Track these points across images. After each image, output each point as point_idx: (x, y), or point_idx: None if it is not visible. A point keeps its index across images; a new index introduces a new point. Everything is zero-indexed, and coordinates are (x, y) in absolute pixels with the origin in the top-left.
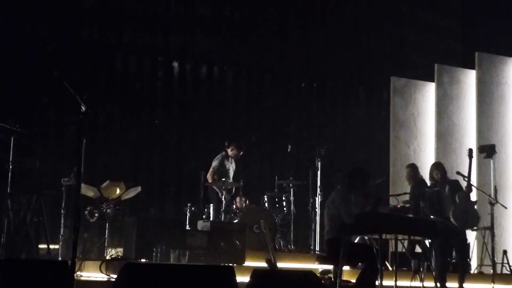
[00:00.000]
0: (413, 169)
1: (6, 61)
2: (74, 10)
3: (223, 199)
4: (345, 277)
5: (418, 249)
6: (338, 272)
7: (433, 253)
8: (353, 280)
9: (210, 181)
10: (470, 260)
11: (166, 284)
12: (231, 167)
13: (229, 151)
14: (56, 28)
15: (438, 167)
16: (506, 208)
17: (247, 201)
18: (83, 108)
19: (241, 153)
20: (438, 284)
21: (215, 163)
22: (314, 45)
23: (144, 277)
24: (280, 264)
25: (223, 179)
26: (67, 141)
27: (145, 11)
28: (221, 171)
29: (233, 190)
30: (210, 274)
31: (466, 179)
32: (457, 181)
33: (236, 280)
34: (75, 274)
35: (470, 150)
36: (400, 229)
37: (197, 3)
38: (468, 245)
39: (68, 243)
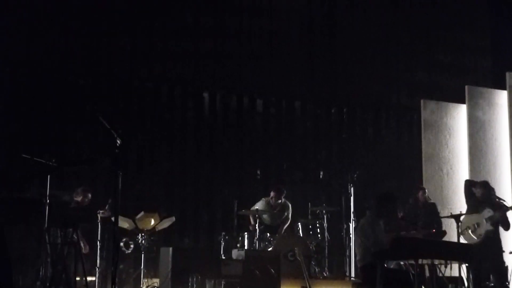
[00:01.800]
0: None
1: (42, 97)
2: (105, 44)
3: (256, 228)
4: None
5: (455, 274)
6: None
7: (471, 276)
8: None
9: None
10: (509, 283)
11: None
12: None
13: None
14: (89, 63)
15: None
16: None
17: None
18: (119, 142)
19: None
20: None
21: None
22: (343, 70)
23: None
24: None
25: (257, 207)
26: (101, 173)
27: (174, 42)
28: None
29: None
30: None
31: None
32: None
33: None
34: None
35: None
36: (435, 254)
37: (224, 34)
38: (507, 268)
39: (104, 275)
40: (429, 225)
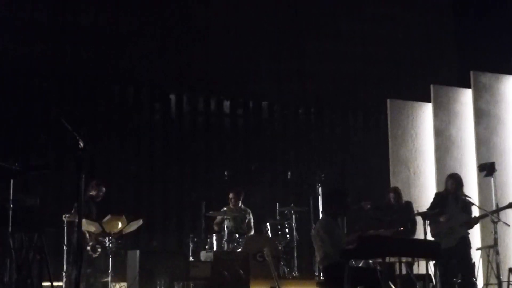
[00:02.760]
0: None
1: (5, 99)
2: (71, 46)
3: (225, 229)
4: None
5: (422, 271)
6: None
7: (438, 274)
8: None
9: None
10: (476, 279)
11: None
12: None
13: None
14: (54, 65)
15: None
16: (509, 225)
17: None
18: (81, 144)
19: None
20: None
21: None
22: (310, 72)
23: None
24: None
25: (225, 208)
26: (67, 177)
27: (141, 43)
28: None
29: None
30: None
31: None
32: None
33: None
34: None
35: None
36: (402, 252)
37: (190, 34)
38: (474, 264)
39: (71, 280)
40: (406, 224)
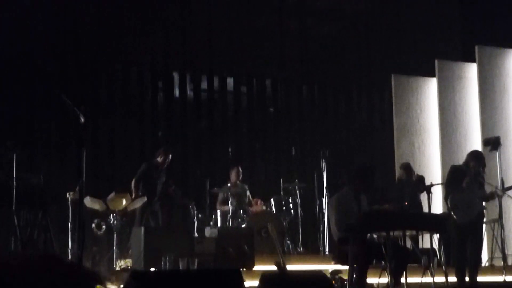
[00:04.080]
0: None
1: (6, 78)
2: (73, 25)
3: (229, 205)
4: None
5: (427, 245)
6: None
7: (442, 247)
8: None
9: None
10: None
11: None
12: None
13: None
14: (57, 45)
15: None
16: None
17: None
18: (82, 120)
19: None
20: (455, 279)
21: None
22: (313, 48)
23: (150, 285)
24: (290, 267)
25: (229, 185)
26: (70, 155)
27: (144, 21)
28: None
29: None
30: (216, 278)
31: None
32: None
33: (243, 283)
34: None
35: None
36: (407, 225)
37: (193, 13)
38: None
39: (76, 257)
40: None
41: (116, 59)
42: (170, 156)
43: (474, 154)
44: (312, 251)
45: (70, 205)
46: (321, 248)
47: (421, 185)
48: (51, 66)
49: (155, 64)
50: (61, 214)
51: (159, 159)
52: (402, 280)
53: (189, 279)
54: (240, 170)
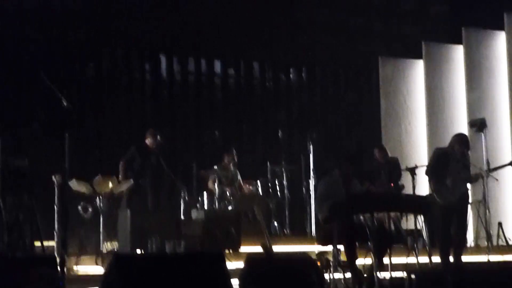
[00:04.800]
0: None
1: None
2: (60, 7)
3: (216, 187)
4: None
5: (412, 226)
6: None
7: (426, 228)
8: None
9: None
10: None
11: (154, 273)
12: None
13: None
14: (43, 27)
15: None
16: (497, 180)
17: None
18: (65, 104)
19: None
20: (439, 260)
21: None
22: (300, 31)
23: (133, 268)
24: (277, 248)
25: (215, 167)
26: (56, 137)
27: (131, 3)
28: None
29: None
30: (198, 261)
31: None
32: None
33: (226, 265)
34: (72, 269)
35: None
36: (391, 207)
37: None
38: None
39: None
40: (394, 180)
41: (103, 41)
42: (159, 137)
43: (459, 137)
44: (299, 233)
45: (56, 188)
46: (308, 230)
47: (396, 168)
48: (36, 48)
49: (142, 46)
50: (47, 197)
51: (148, 141)
52: (386, 261)
53: (171, 262)
54: (235, 155)
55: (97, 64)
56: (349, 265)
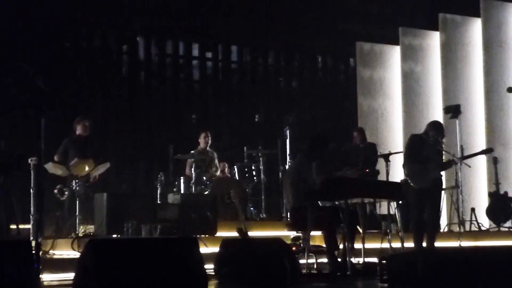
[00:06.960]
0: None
1: None
2: None
3: (192, 172)
4: (317, 242)
5: (385, 211)
6: (306, 237)
7: (399, 214)
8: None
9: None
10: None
11: (128, 258)
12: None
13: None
14: (20, 11)
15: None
16: (469, 167)
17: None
18: (41, 86)
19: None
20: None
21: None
22: (279, 15)
23: (107, 252)
24: (253, 233)
25: (192, 152)
26: (31, 120)
27: None
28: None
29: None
30: (171, 246)
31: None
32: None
33: (199, 250)
34: (48, 252)
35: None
36: (366, 193)
37: None
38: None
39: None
40: (369, 165)
41: (80, 23)
42: (87, 123)
43: (433, 124)
44: (275, 218)
45: (32, 170)
46: (284, 215)
47: (373, 154)
48: (12, 29)
49: (120, 28)
50: (24, 180)
51: (78, 130)
52: (359, 246)
53: (145, 247)
54: (209, 136)
55: (74, 45)
56: (328, 252)
